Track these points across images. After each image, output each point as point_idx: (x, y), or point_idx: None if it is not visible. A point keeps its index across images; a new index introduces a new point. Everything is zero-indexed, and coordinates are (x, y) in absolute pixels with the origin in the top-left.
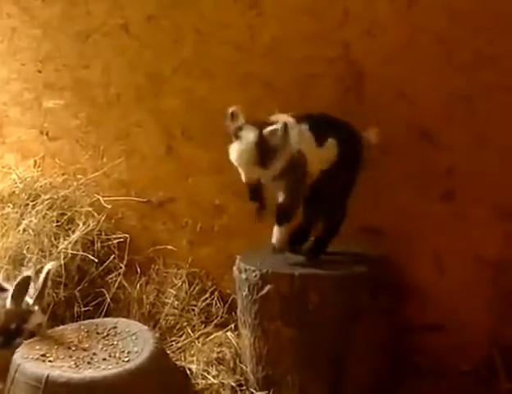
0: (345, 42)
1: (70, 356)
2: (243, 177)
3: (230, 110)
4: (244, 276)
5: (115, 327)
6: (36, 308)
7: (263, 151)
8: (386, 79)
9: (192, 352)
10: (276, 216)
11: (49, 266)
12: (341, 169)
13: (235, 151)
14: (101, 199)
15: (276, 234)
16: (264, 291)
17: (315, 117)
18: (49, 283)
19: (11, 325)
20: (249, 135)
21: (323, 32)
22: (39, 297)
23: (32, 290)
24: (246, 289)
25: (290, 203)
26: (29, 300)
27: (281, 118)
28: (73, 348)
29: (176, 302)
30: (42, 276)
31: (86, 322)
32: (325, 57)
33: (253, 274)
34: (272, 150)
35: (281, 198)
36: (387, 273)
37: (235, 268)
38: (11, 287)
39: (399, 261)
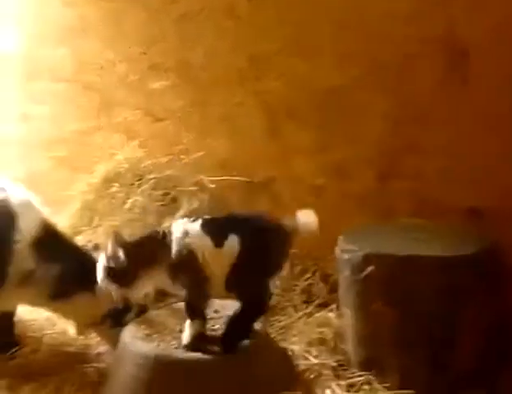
0: (450, 18)
1: (177, 338)
2: None
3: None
4: (346, 256)
5: (217, 311)
6: None
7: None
8: (495, 58)
9: (294, 332)
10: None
11: None
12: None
13: None
14: (204, 178)
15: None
16: (366, 272)
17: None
18: None
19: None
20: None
21: (427, 8)
22: None
23: None
24: (348, 269)
25: (194, 298)
26: None
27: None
28: (179, 329)
29: (278, 281)
30: None
31: None
32: (428, 35)
33: (356, 255)
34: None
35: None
36: (494, 255)
37: (337, 249)
38: None
39: (506, 243)
